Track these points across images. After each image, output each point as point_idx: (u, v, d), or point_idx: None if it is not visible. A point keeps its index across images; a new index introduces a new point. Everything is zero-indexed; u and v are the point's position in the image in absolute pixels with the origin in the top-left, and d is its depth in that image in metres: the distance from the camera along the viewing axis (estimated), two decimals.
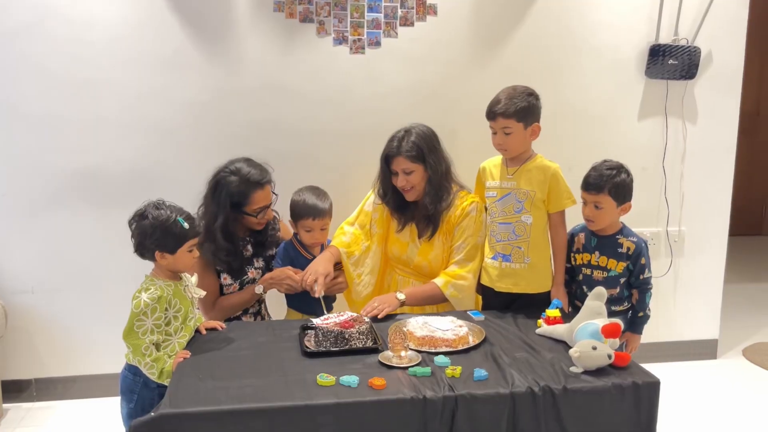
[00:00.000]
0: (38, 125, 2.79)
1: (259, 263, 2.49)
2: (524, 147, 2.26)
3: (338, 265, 2.44)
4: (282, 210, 2.53)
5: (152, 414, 1.56)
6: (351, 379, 1.68)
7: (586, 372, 1.75)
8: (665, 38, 3.12)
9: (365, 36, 2.92)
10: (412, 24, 2.94)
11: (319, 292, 2.26)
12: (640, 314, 2.28)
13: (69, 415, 2.90)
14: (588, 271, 2.28)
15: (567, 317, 2.05)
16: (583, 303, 1.97)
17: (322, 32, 2.89)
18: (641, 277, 2.24)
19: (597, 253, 2.26)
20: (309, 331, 2.00)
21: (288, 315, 2.53)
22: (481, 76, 3.01)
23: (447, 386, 1.67)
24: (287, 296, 2.48)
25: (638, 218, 2.63)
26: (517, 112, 2.18)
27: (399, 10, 2.92)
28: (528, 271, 2.27)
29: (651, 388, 1.72)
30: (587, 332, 1.83)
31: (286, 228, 2.62)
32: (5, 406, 2.94)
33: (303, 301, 2.41)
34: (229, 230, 2.36)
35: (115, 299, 2.44)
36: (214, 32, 2.83)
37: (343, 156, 2.99)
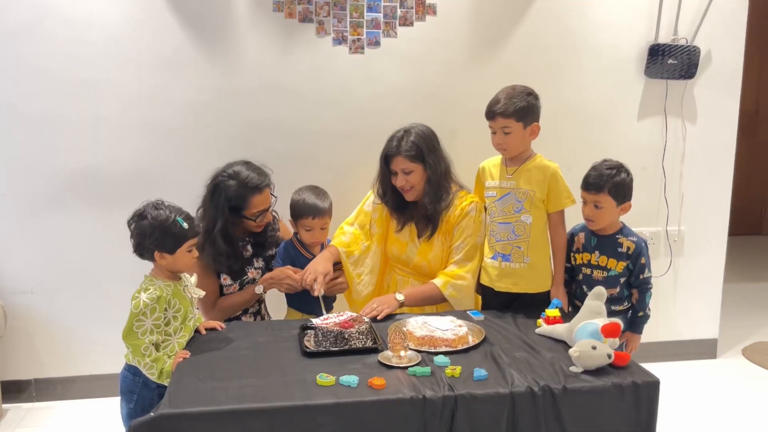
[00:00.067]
0: (38, 125, 2.79)
1: (259, 263, 2.49)
2: (523, 147, 2.26)
3: (338, 265, 2.44)
4: (282, 210, 2.53)
5: (152, 414, 1.56)
6: (351, 379, 1.68)
7: (585, 372, 1.75)
8: (665, 38, 3.12)
9: (365, 36, 2.92)
10: (411, 24, 2.94)
11: (318, 290, 2.26)
12: (640, 314, 2.28)
13: (69, 415, 2.90)
14: (588, 271, 2.28)
15: (567, 317, 2.05)
16: (582, 303, 1.97)
17: (322, 32, 2.89)
18: (641, 276, 2.24)
19: (597, 252, 2.26)
20: (309, 331, 2.00)
21: (288, 314, 2.53)
22: (481, 76, 3.01)
23: (447, 386, 1.67)
24: (287, 296, 2.48)
25: (638, 218, 2.63)
26: (516, 111, 2.18)
27: (398, 10, 2.92)
28: (528, 270, 2.27)
29: (651, 388, 1.72)
30: (587, 332, 1.83)
31: (285, 228, 2.62)
32: (5, 406, 2.94)
33: (303, 301, 2.41)
34: (229, 234, 2.35)
35: (115, 299, 2.44)
36: (213, 32, 2.83)
37: (343, 156, 2.99)
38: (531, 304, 2.23)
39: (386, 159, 2.39)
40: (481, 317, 2.18)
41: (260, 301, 2.58)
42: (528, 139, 2.25)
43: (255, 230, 2.44)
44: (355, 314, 2.04)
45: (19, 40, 2.72)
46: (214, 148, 2.85)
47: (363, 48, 2.93)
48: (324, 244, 2.50)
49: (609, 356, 1.75)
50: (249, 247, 2.47)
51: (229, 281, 2.42)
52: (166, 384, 1.81)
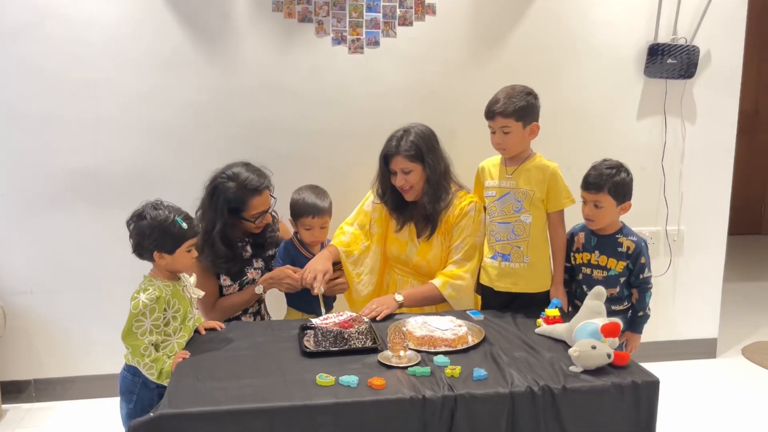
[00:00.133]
0: (37, 125, 2.79)
1: (259, 264, 2.49)
2: (523, 146, 2.26)
3: (338, 265, 2.44)
4: (281, 210, 2.53)
5: (151, 414, 1.56)
6: (350, 379, 1.68)
7: (585, 371, 1.75)
8: (664, 37, 3.12)
9: (364, 36, 2.92)
10: (410, 24, 2.94)
11: (317, 288, 2.26)
12: (640, 314, 2.28)
13: (68, 415, 2.90)
14: (588, 271, 2.28)
15: (566, 317, 2.05)
16: (582, 302, 1.97)
17: (321, 32, 2.89)
18: (641, 276, 2.24)
19: (597, 252, 2.26)
20: (308, 331, 2.00)
21: (288, 314, 2.53)
22: (480, 76, 3.01)
23: (446, 386, 1.67)
24: (287, 295, 2.48)
25: (637, 218, 2.62)
26: (515, 111, 2.18)
27: (398, 10, 2.91)
28: (527, 270, 2.27)
29: (650, 388, 1.72)
30: (586, 331, 1.83)
31: (285, 228, 2.62)
32: (4, 406, 2.94)
33: (303, 300, 2.41)
34: (228, 236, 2.35)
35: (115, 300, 2.43)
36: (212, 32, 2.83)
37: (342, 156, 2.99)
38: (530, 304, 2.22)
39: (385, 159, 2.39)
40: (481, 317, 2.18)
41: (260, 301, 2.57)
42: (527, 138, 2.25)
43: (254, 231, 2.44)
44: (354, 314, 2.04)
45: (18, 40, 2.72)
46: (213, 148, 2.85)
47: (362, 48, 2.93)
48: (324, 243, 2.50)
49: (609, 356, 1.75)
50: (248, 248, 2.47)
51: (228, 282, 2.42)
52: (165, 384, 1.80)
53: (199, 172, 2.41)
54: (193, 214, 2.12)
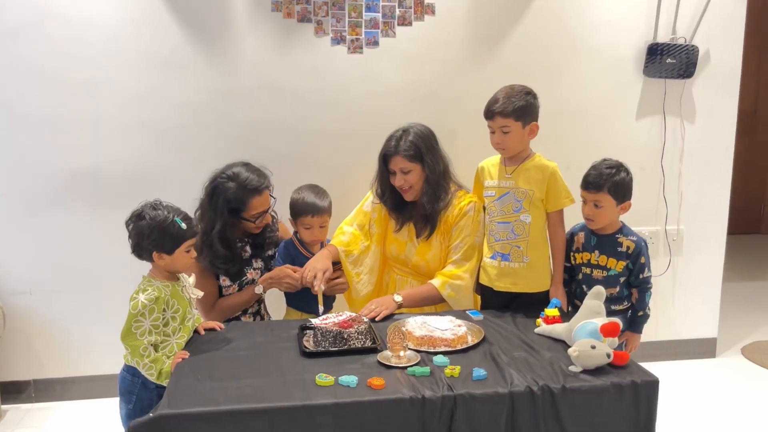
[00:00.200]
0: (36, 125, 2.79)
1: (258, 264, 2.49)
2: (522, 146, 2.26)
3: (337, 265, 2.44)
4: (281, 209, 2.53)
5: (151, 415, 1.56)
6: (350, 379, 1.68)
7: (584, 371, 1.75)
8: (663, 37, 3.12)
9: (363, 35, 2.91)
10: (410, 23, 2.94)
11: (317, 286, 2.25)
12: (640, 313, 2.28)
13: (68, 416, 2.90)
14: (588, 270, 2.28)
15: (566, 316, 2.05)
16: (582, 302, 1.97)
17: (320, 32, 2.89)
18: (641, 276, 2.24)
19: (597, 252, 2.26)
20: (308, 331, 2.00)
21: (287, 314, 2.53)
22: (480, 76, 3.01)
23: (446, 386, 1.67)
24: (286, 295, 2.48)
25: (637, 217, 2.62)
26: (515, 111, 2.18)
27: (397, 10, 2.91)
28: (527, 270, 2.27)
29: (650, 387, 1.72)
30: (586, 331, 1.83)
31: (285, 228, 2.62)
32: (4, 407, 2.94)
33: (302, 300, 2.41)
34: (227, 237, 2.35)
35: (114, 300, 2.43)
36: (211, 32, 2.83)
37: (342, 156, 2.99)
38: (530, 304, 2.22)
39: (385, 158, 2.39)
40: (480, 317, 2.18)
41: (260, 301, 2.57)
42: (527, 138, 2.25)
43: (254, 232, 2.44)
44: (354, 314, 2.04)
45: (18, 40, 2.72)
46: (212, 148, 2.85)
47: (362, 48, 2.92)
48: (323, 242, 2.50)
49: (608, 356, 1.75)
50: (248, 248, 2.47)
51: (228, 282, 2.42)
52: (164, 384, 1.80)
53: (198, 172, 2.41)
54: (192, 215, 2.12)
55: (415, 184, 2.36)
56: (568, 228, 2.36)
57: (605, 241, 2.26)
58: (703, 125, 3.25)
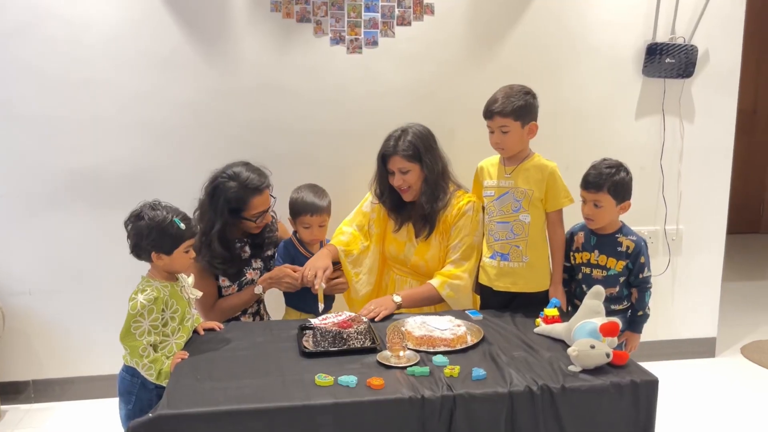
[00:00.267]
0: (35, 126, 2.79)
1: (257, 264, 2.49)
2: (521, 146, 2.26)
3: (337, 265, 2.44)
4: (281, 209, 2.53)
5: (150, 415, 1.56)
6: (349, 379, 1.68)
7: (584, 371, 1.75)
8: (662, 37, 3.12)
9: (362, 35, 2.91)
10: (409, 23, 2.94)
11: (317, 284, 2.25)
12: (640, 313, 2.28)
13: (67, 416, 2.90)
14: (587, 270, 2.28)
15: (566, 316, 2.05)
16: (582, 302, 1.97)
17: (320, 32, 2.89)
18: (640, 275, 2.24)
19: (596, 251, 2.26)
20: (307, 331, 2.00)
21: (286, 314, 2.53)
22: (479, 76, 3.01)
23: (445, 386, 1.67)
24: (286, 295, 2.48)
25: (636, 217, 2.62)
26: (514, 110, 2.18)
27: (396, 10, 2.91)
28: (526, 270, 2.27)
29: (649, 387, 1.72)
30: (585, 331, 1.83)
31: (284, 228, 2.62)
32: (3, 407, 2.94)
33: (302, 300, 2.41)
34: (226, 237, 2.35)
35: (113, 300, 2.43)
36: (211, 32, 2.83)
37: (341, 155, 2.99)
38: (529, 304, 2.22)
39: (383, 158, 2.39)
40: (480, 317, 2.18)
41: (259, 301, 2.57)
42: (526, 138, 2.25)
43: (254, 231, 2.44)
44: (353, 314, 2.04)
45: (17, 40, 2.72)
46: (212, 148, 2.85)
47: (361, 48, 2.92)
48: (323, 242, 2.50)
49: (607, 355, 1.75)
50: (247, 248, 2.47)
51: (227, 282, 2.42)
52: (164, 385, 1.80)
53: (198, 172, 2.41)
54: (191, 215, 2.11)
55: (413, 184, 2.36)
56: (567, 228, 2.36)
57: (605, 240, 2.26)
58: (703, 125, 3.25)
